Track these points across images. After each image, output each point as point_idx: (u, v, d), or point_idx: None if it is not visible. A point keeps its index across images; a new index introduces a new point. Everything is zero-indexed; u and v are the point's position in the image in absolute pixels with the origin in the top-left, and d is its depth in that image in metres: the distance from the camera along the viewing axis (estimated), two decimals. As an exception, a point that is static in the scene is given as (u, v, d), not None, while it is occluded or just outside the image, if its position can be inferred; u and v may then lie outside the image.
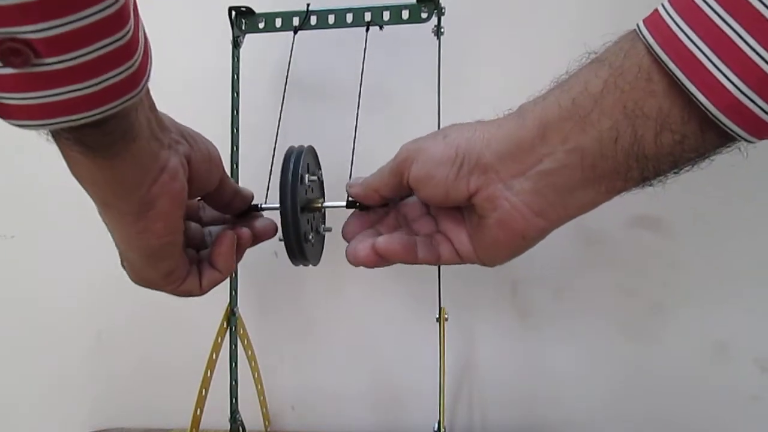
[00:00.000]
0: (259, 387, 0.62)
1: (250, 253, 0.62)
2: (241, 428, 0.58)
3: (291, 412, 0.67)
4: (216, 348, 0.53)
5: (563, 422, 0.63)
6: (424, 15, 0.51)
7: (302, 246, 0.39)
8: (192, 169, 0.35)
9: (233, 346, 0.57)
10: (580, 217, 0.61)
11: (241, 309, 0.57)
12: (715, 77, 0.25)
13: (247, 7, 0.53)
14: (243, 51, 0.54)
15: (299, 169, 0.38)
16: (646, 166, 0.30)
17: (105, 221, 0.34)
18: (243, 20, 0.54)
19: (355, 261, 0.38)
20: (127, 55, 0.26)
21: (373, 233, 0.39)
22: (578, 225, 0.62)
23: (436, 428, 0.50)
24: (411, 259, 0.37)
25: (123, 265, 0.37)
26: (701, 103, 0.26)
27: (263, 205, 0.43)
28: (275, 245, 0.67)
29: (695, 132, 0.28)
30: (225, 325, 0.55)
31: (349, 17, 0.52)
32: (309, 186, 0.41)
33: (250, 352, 0.60)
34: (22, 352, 0.71)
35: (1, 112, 0.25)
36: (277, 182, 0.38)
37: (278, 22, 0.54)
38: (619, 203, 0.61)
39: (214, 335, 0.54)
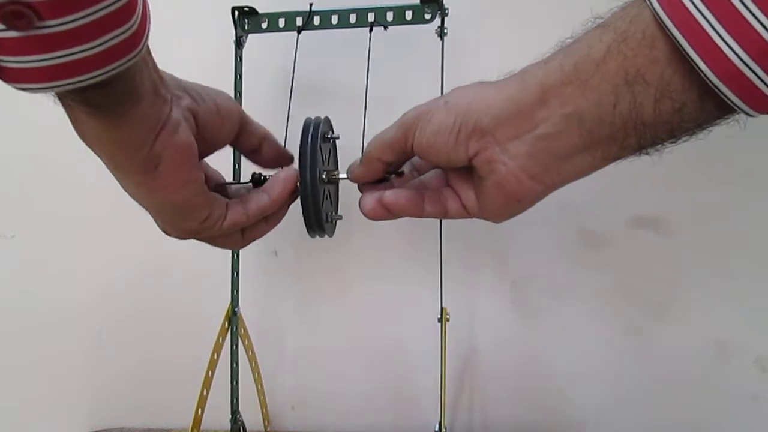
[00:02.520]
0: (260, 387, 0.62)
1: (250, 253, 0.62)
2: (241, 428, 0.58)
3: (291, 412, 0.67)
4: (217, 348, 0.53)
5: (563, 422, 0.63)
6: (427, 16, 0.51)
7: (320, 219, 0.39)
8: (200, 122, 0.35)
9: (234, 346, 0.57)
10: (581, 217, 0.62)
11: (242, 309, 0.57)
12: (717, 45, 0.26)
13: (250, 7, 0.53)
14: (245, 51, 0.55)
15: (317, 144, 0.38)
16: (643, 134, 0.30)
17: (123, 186, 0.34)
18: (246, 20, 0.54)
19: (363, 212, 0.38)
20: (126, 17, 0.26)
21: (385, 186, 0.39)
22: (578, 225, 0.63)
23: (436, 428, 0.50)
24: (417, 212, 0.38)
25: (163, 230, 0.37)
26: (701, 71, 0.26)
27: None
28: (275, 245, 0.68)
29: (694, 101, 0.28)
30: (226, 325, 0.55)
31: (353, 17, 0.52)
32: (326, 157, 0.41)
33: (250, 352, 0.60)
34: (23, 352, 0.71)
35: (5, 76, 0.25)
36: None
37: (281, 22, 0.54)
38: (619, 203, 0.62)
39: (215, 335, 0.54)
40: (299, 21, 0.53)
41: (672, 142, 0.31)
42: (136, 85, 0.30)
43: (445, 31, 0.51)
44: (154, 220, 0.36)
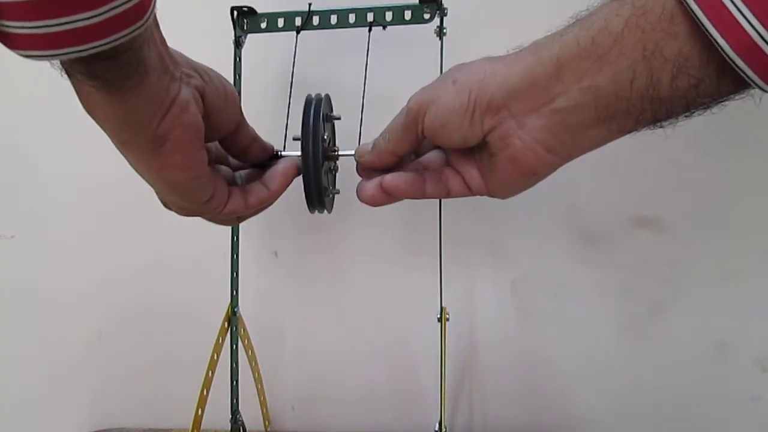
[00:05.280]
0: (260, 387, 0.62)
1: (250, 253, 0.62)
2: (241, 428, 0.58)
3: (291, 412, 0.67)
4: (217, 348, 0.53)
5: (563, 422, 0.63)
6: (426, 16, 0.51)
7: (321, 194, 0.40)
8: (207, 103, 0.35)
9: (234, 346, 0.57)
10: (580, 216, 0.62)
11: (242, 309, 0.57)
12: (735, 18, 0.25)
13: (249, 7, 0.53)
14: (245, 51, 0.54)
15: (320, 119, 0.39)
16: (659, 108, 0.30)
17: (130, 163, 0.34)
18: (245, 20, 0.54)
19: (363, 199, 0.38)
20: None
21: (384, 171, 0.39)
22: (578, 225, 0.63)
23: (437, 428, 0.50)
24: (418, 195, 0.38)
25: (166, 206, 0.38)
26: (719, 45, 0.26)
27: (283, 153, 0.43)
28: (275, 245, 0.68)
29: (711, 76, 0.28)
30: (226, 325, 0.55)
31: (352, 17, 0.52)
32: (326, 135, 0.42)
33: (250, 352, 0.60)
34: (22, 352, 0.71)
35: (9, 42, 0.25)
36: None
37: (280, 22, 0.54)
38: (619, 203, 0.62)
39: (214, 335, 0.54)
40: (298, 21, 0.53)
41: (687, 116, 0.31)
42: (143, 58, 0.29)
43: (444, 31, 0.51)
44: (157, 194, 0.37)
